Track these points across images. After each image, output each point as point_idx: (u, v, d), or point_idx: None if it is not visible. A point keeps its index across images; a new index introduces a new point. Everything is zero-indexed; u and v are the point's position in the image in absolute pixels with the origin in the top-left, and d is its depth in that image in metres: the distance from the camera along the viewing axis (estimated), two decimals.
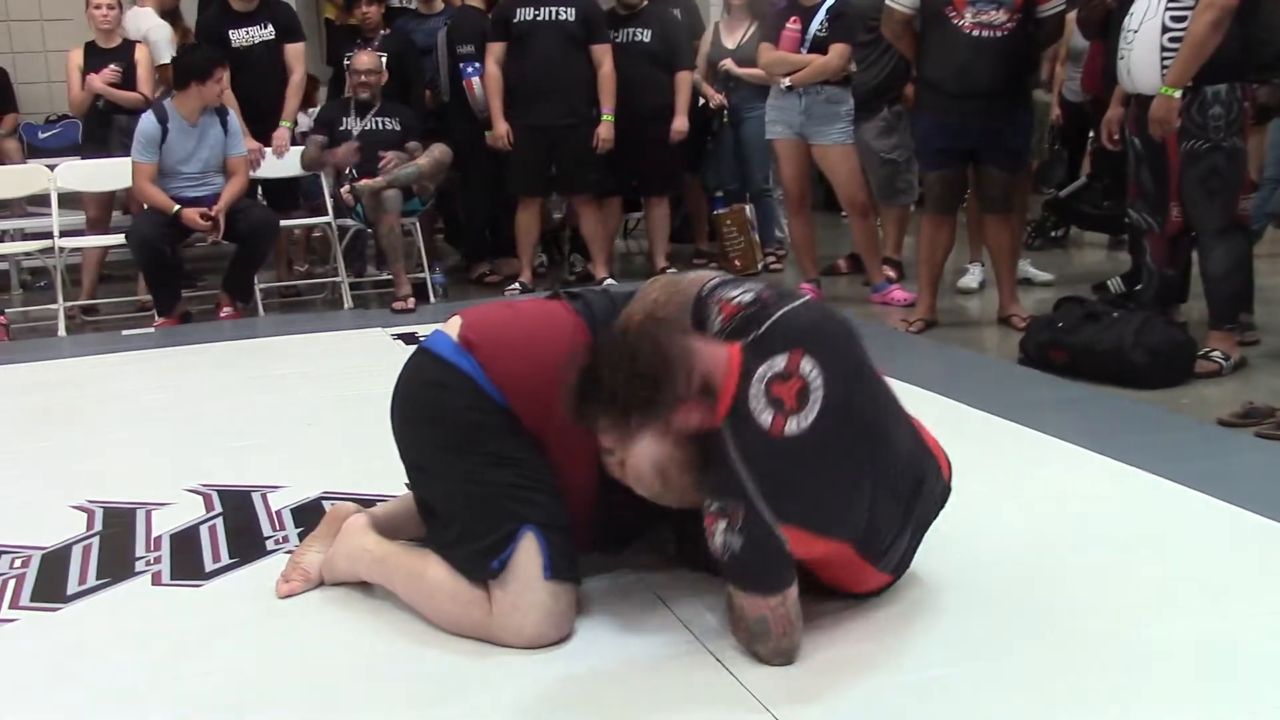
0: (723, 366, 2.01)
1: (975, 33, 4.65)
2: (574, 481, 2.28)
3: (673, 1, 6.57)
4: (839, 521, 2.05)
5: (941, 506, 2.33)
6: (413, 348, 2.55)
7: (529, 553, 2.16)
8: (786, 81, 5.44)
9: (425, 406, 2.35)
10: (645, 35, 6.16)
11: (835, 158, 5.51)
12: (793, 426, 1.94)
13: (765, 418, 1.95)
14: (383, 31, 6.38)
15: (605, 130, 6.03)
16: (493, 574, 2.17)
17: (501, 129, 6.03)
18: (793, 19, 5.43)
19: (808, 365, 1.98)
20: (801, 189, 5.69)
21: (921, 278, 5.15)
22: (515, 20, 5.94)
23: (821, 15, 5.32)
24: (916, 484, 2.20)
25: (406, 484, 2.52)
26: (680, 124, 6.23)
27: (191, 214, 5.47)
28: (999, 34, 4.63)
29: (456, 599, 2.22)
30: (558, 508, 2.24)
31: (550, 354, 2.17)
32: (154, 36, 6.32)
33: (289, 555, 2.58)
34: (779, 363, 1.98)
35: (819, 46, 5.35)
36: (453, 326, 2.36)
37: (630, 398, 1.94)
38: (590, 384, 1.96)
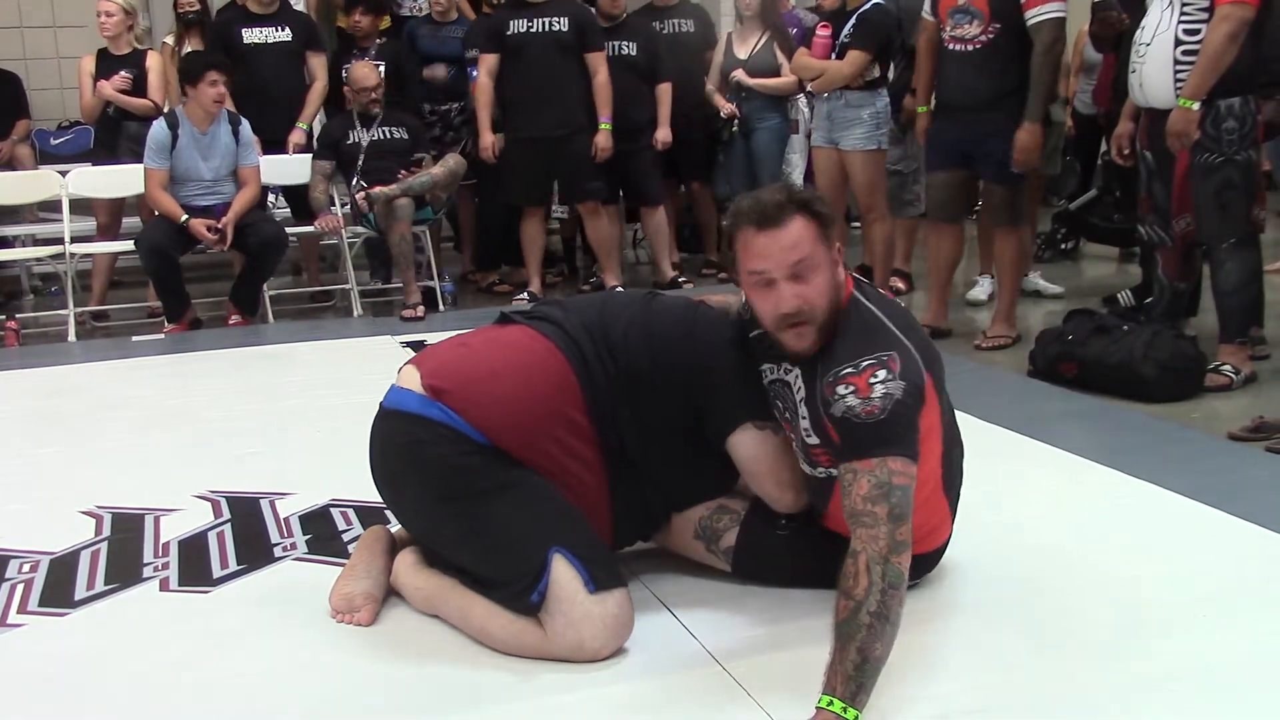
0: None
1: (953, 46, 4.69)
2: (581, 490, 2.29)
3: (685, 12, 6.59)
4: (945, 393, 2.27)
5: (960, 477, 2.41)
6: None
7: (564, 575, 2.15)
8: (809, 88, 5.53)
9: (407, 467, 2.33)
10: (630, 48, 6.14)
11: (855, 163, 5.53)
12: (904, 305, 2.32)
13: (886, 293, 2.30)
14: (378, 40, 6.39)
15: (604, 139, 6.00)
16: (535, 608, 2.16)
17: (488, 140, 5.99)
18: (823, 24, 5.46)
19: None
20: (831, 199, 5.67)
21: (930, 286, 5.15)
22: (509, 33, 5.90)
23: (852, 22, 5.34)
24: (958, 430, 2.39)
25: None
26: (663, 134, 6.22)
27: (199, 225, 5.45)
28: (971, 47, 4.63)
29: (508, 629, 2.21)
30: (574, 520, 2.24)
31: (523, 384, 2.27)
32: None
33: (336, 592, 2.43)
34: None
35: (845, 53, 5.38)
36: (411, 379, 2.34)
37: (823, 204, 2.17)
38: (788, 191, 2.16)
